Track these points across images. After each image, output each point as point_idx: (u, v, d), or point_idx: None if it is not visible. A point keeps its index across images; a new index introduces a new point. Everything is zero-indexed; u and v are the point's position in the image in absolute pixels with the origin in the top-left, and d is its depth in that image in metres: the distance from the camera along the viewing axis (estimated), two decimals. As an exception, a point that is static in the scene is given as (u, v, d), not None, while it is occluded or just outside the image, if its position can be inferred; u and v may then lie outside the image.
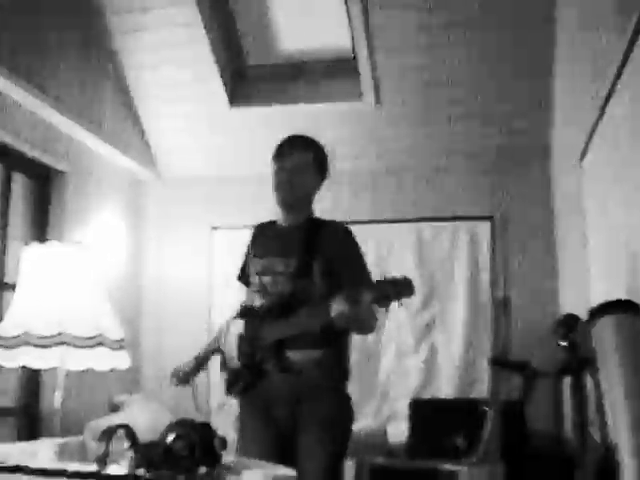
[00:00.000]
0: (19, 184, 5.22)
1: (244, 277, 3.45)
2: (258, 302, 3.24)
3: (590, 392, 2.73)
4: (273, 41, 6.16)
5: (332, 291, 2.94)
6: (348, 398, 3.24)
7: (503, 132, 5.95)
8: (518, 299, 5.91)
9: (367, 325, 3.17)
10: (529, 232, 6.04)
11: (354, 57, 5.70)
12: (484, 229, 6.15)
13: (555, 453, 2.78)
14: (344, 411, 3.22)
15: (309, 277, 3.10)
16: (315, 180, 3.31)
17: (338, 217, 3.49)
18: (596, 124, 3.57)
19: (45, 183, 5.41)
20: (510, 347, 5.54)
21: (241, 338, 3.20)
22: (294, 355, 3.06)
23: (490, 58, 5.42)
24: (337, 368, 3.19)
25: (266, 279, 3.21)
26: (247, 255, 3.47)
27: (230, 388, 3.29)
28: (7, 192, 5.05)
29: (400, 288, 2.87)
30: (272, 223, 3.40)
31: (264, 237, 3.40)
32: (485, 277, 6.09)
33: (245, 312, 3.31)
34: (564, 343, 2.68)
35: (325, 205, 3.59)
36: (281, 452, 3.04)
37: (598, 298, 3.69)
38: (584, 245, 4.14)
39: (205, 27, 5.47)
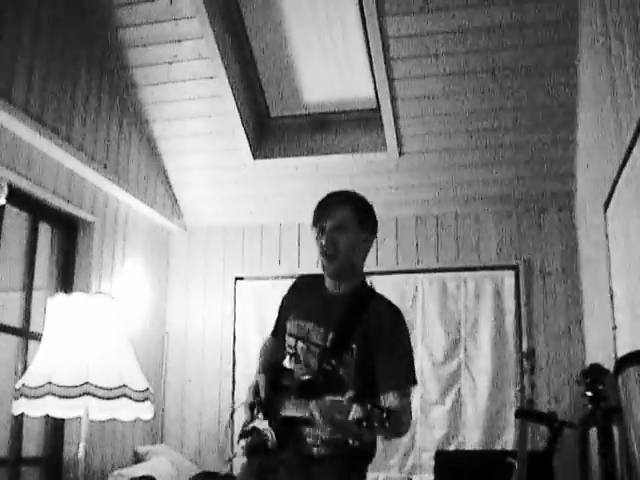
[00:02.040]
0: (45, 234, 5.28)
1: (278, 331, 3.20)
2: (288, 364, 2.97)
3: (617, 443, 2.70)
4: (296, 93, 6.22)
5: (363, 378, 2.71)
6: None
7: (526, 178, 5.95)
8: (544, 349, 5.87)
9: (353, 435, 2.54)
10: (554, 281, 6.01)
11: (378, 107, 5.74)
12: (508, 278, 6.13)
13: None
14: None
15: (342, 356, 2.77)
16: (359, 238, 2.95)
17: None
18: (620, 170, 3.57)
19: (71, 233, 5.46)
20: (536, 397, 5.48)
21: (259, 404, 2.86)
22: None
23: (512, 105, 5.44)
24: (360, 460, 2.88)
25: (301, 345, 2.91)
26: (283, 308, 3.18)
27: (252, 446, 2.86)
28: (34, 242, 5.09)
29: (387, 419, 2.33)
30: (318, 280, 3.05)
31: (306, 296, 3.07)
32: (510, 327, 6.05)
33: (274, 371, 2.97)
34: (590, 394, 2.65)
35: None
36: None
37: (624, 348, 3.66)
38: (610, 293, 4.11)
39: (229, 80, 5.54)
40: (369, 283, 3.05)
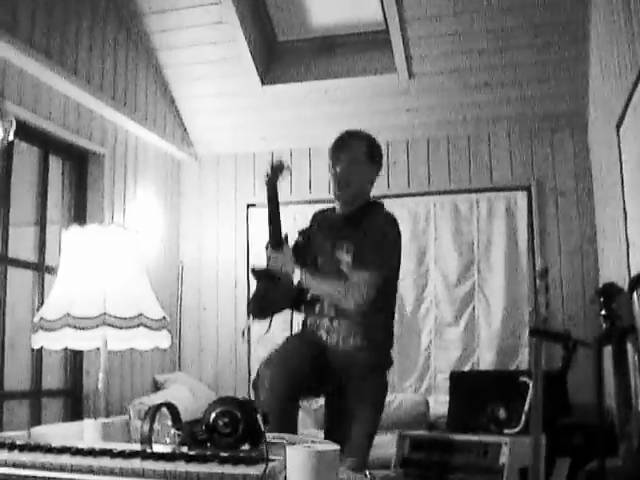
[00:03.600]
0: (56, 168, 5.27)
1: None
2: None
3: (632, 361, 2.71)
4: (304, 16, 6.13)
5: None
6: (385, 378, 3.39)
7: (538, 100, 5.88)
8: (557, 268, 5.89)
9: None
10: (567, 201, 5.99)
11: (386, 29, 5.66)
12: (521, 199, 6.11)
13: (598, 424, 2.77)
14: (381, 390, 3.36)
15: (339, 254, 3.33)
16: (370, 171, 3.40)
17: (374, 190, 3.50)
18: (633, 88, 3.52)
19: (82, 166, 5.46)
20: (550, 317, 5.51)
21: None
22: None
23: (525, 24, 5.35)
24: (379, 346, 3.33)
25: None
26: (302, 238, 3.57)
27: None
28: (45, 176, 5.10)
29: None
30: (329, 211, 3.56)
31: (320, 228, 3.54)
32: (523, 247, 6.05)
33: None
34: (604, 312, 2.65)
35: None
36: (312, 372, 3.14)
37: (638, 266, 3.67)
38: (623, 213, 4.09)
39: (235, 5, 5.45)
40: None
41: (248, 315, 3.50)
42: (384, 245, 3.26)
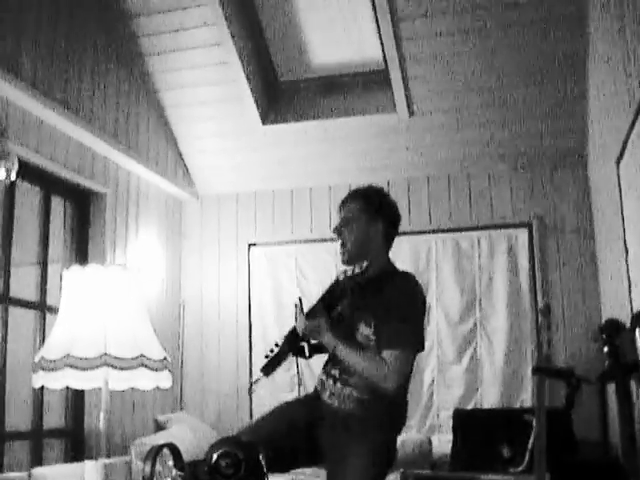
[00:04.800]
0: (58, 208, 5.29)
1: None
2: None
3: (636, 397, 2.70)
4: (304, 56, 6.18)
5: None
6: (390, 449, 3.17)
7: (538, 137, 5.91)
8: (559, 305, 5.87)
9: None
10: (568, 237, 5.99)
11: (386, 68, 5.69)
12: (522, 236, 6.12)
13: (603, 461, 2.75)
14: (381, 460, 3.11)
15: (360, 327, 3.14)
16: (367, 226, 3.21)
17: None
18: (633, 123, 3.53)
19: (84, 205, 5.47)
20: (553, 355, 5.49)
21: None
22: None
23: (523, 61, 5.38)
24: (386, 416, 3.11)
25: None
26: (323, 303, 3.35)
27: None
28: (47, 216, 5.11)
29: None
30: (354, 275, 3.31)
31: (341, 288, 3.33)
32: (525, 284, 6.05)
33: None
34: (607, 349, 2.65)
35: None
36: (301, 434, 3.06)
37: (640, 303, 3.65)
38: (624, 250, 4.09)
39: (236, 46, 5.50)
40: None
41: (262, 370, 3.32)
42: (412, 318, 3.08)
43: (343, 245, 3.22)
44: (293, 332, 3.19)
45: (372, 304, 3.11)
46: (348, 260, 3.22)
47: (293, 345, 3.20)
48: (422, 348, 3.09)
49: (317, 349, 3.26)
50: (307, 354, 3.26)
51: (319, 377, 3.24)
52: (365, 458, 2.96)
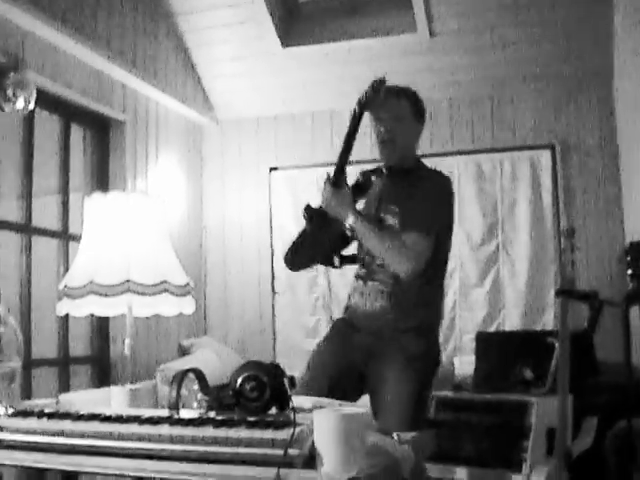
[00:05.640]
0: (78, 136, 5.27)
1: None
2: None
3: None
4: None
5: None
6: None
7: (563, 58, 5.80)
8: (582, 228, 5.83)
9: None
10: (592, 160, 5.92)
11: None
12: (545, 158, 6.05)
13: (625, 383, 2.75)
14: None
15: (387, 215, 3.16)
16: (415, 128, 3.25)
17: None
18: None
19: (104, 133, 5.45)
20: (577, 277, 5.47)
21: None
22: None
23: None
24: (417, 308, 3.09)
25: None
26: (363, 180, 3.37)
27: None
28: (66, 144, 5.10)
29: None
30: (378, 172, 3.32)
31: (368, 189, 3.31)
32: (548, 207, 6.01)
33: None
34: (632, 271, 2.63)
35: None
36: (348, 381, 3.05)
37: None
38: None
39: (254, -34, 5.41)
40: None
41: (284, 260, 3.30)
42: (435, 205, 3.10)
43: (392, 141, 3.14)
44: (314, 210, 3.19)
45: (401, 196, 3.12)
46: (394, 157, 3.18)
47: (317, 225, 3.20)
48: (443, 239, 3.12)
49: (347, 259, 3.26)
50: (337, 263, 3.26)
51: (351, 286, 3.24)
52: (404, 372, 2.96)
